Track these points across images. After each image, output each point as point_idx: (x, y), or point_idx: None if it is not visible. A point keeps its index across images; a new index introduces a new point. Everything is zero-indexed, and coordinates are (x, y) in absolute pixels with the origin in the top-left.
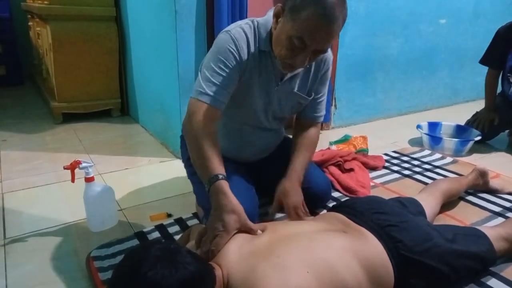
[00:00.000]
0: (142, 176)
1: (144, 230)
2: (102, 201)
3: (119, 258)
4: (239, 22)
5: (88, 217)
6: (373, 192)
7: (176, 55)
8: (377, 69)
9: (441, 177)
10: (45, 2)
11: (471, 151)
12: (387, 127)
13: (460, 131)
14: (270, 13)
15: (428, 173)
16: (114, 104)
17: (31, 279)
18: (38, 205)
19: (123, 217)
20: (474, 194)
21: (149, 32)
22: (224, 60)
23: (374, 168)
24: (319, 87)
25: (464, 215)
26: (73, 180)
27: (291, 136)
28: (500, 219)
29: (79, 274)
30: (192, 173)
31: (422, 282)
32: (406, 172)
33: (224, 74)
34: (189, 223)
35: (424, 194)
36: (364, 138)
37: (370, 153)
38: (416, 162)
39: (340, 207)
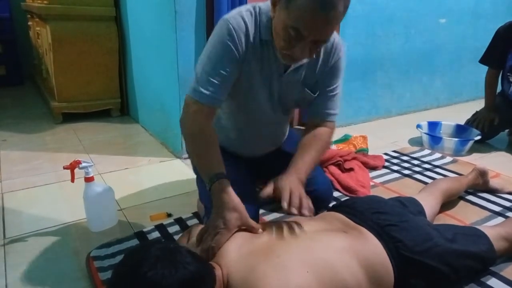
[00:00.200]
0: (142, 176)
1: (144, 230)
2: (102, 201)
3: (119, 258)
4: (241, 8)
5: (88, 217)
6: (373, 192)
7: (176, 55)
8: (377, 69)
9: (441, 177)
10: (45, 2)
11: (471, 151)
12: (387, 127)
13: (460, 130)
14: None
15: (428, 173)
16: (114, 104)
17: (31, 279)
18: (38, 205)
19: (123, 217)
20: (474, 194)
21: (149, 32)
22: (221, 54)
23: (374, 168)
24: (330, 79)
25: (464, 215)
26: (73, 180)
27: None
28: (500, 219)
29: (79, 274)
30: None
31: (422, 282)
32: (406, 171)
33: (220, 69)
34: (189, 223)
35: (424, 193)
36: (364, 137)
37: (370, 153)
38: (416, 162)
39: (340, 207)
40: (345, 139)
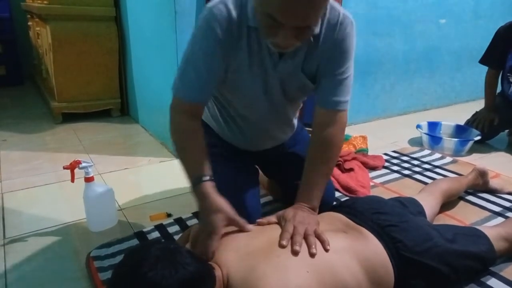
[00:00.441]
0: (142, 176)
1: (144, 230)
2: (102, 201)
3: (119, 258)
4: None
5: (88, 217)
6: (373, 192)
7: (176, 55)
8: (377, 69)
9: (441, 177)
10: (45, 2)
11: (470, 151)
12: (386, 127)
13: (459, 131)
14: None
15: (428, 173)
16: (114, 104)
17: (30, 279)
18: (38, 205)
19: (123, 217)
20: (474, 194)
21: (149, 32)
22: (203, 47)
23: (374, 168)
24: (337, 61)
25: (464, 215)
26: (72, 180)
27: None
28: (500, 219)
29: (79, 274)
30: None
31: (422, 282)
32: (406, 172)
33: (202, 63)
34: (189, 223)
35: (424, 194)
36: (364, 137)
37: (369, 153)
38: (416, 162)
39: (340, 207)
40: (345, 139)
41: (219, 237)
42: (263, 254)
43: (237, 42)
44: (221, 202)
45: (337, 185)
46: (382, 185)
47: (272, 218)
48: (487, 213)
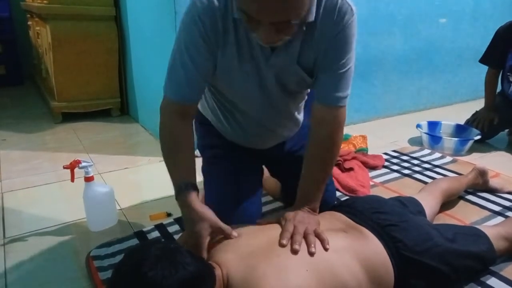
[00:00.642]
0: (141, 176)
1: (144, 229)
2: (101, 201)
3: (119, 257)
4: None
5: (88, 216)
6: (373, 192)
7: None
8: (377, 69)
9: (440, 177)
10: (45, 1)
11: (470, 151)
12: (386, 127)
13: (459, 130)
14: None
15: (428, 173)
16: (113, 104)
17: (30, 278)
18: (38, 204)
19: (123, 216)
20: (473, 194)
21: (149, 32)
22: (187, 45)
23: (373, 168)
24: (335, 53)
25: (464, 215)
26: (72, 179)
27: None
28: (500, 218)
29: (79, 273)
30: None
31: (422, 281)
32: (406, 171)
33: (187, 61)
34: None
35: (423, 193)
36: (364, 137)
37: (369, 153)
38: (415, 162)
39: (340, 207)
40: (344, 138)
41: (205, 246)
42: (263, 254)
43: (224, 35)
44: (204, 210)
45: (337, 185)
46: (382, 185)
47: (272, 218)
48: (487, 213)
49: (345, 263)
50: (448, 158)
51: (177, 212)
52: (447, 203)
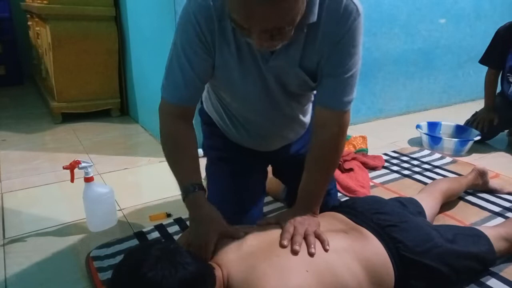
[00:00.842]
0: (141, 176)
1: (144, 230)
2: (101, 201)
3: (119, 258)
4: None
5: (88, 217)
6: (373, 192)
7: None
8: (377, 69)
9: (440, 177)
10: (45, 1)
11: (470, 151)
12: (386, 127)
13: (459, 131)
14: None
15: (428, 173)
16: (113, 104)
17: (30, 279)
18: (38, 205)
19: (123, 217)
20: (473, 194)
21: (149, 32)
22: (184, 43)
23: (373, 168)
24: (340, 56)
25: (464, 215)
26: (72, 180)
27: None
28: (500, 219)
29: (79, 274)
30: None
31: (422, 282)
32: (406, 172)
33: (186, 61)
34: (189, 223)
35: (423, 194)
36: (364, 138)
37: (369, 153)
38: (415, 162)
39: (340, 207)
40: None
41: (211, 248)
42: (263, 254)
43: (220, 35)
44: (213, 212)
45: (337, 185)
46: (382, 185)
47: (272, 219)
48: (487, 213)
49: (345, 264)
50: (448, 159)
51: (177, 213)
52: (447, 204)
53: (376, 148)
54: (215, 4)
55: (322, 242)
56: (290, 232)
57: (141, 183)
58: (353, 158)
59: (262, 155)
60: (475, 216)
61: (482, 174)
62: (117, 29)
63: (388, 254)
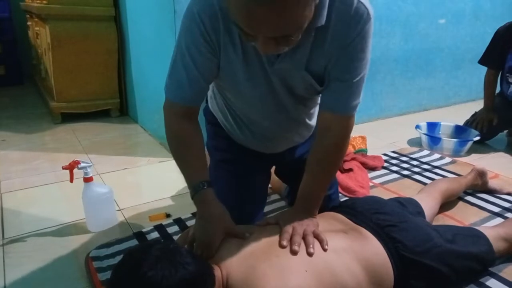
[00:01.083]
0: (141, 176)
1: (143, 230)
2: (101, 201)
3: (118, 258)
4: None
5: (87, 217)
6: (372, 192)
7: None
8: (376, 69)
9: (440, 177)
10: (44, 1)
11: (470, 151)
12: (386, 127)
13: (459, 131)
14: None
15: (427, 173)
16: (113, 104)
17: (30, 279)
18: (37, 205)
19: (122, 217)
20: (473, 195)
21: (148, 32)
22: (188, 42)
23: (373, 168)
24: (348, 61)
25: (463, 216)
26: (71, 180)
27: None
28: (499, 220)
29: (78, 274)
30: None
31: (422, 282)
32: (405, 172)
33: (190, 60)
34: (188, 223)
35: (423, 194)
36: (363, 138)
37: (369, 153)
38: (415, 162)
39: (339, 207)
40: None
41: (216, 246)
42: (263, 255)
43: (225, 35)
44: (222, 211)
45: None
46: (381, 186)
47: (271, 219)
48: (486, 214)
49: (344, 264)
50: (447, 159)
51: (176, 213)
52: (447, 204)
53: (376, 148)
54: (219, 3)
55: (321, 242)
56: (289, 233)
57: (140, 183)
58: (353, 158)
59: (266, 157)
60: (474, 216)
61: (481, 174)
62: (117, 29)
63: (388, 254)
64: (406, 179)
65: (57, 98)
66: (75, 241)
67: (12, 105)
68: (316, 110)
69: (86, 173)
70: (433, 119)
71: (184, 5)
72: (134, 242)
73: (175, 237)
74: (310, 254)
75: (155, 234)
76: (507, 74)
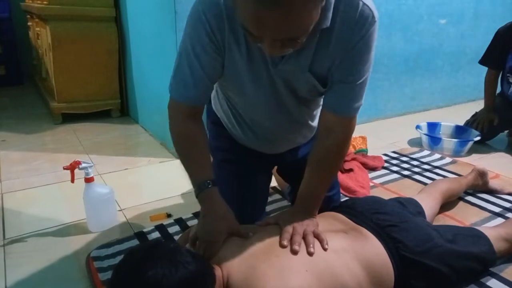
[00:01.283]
0: (141, 177)
1: (144, 230)
2: (101, 202)
3: (119, 258)
4: None
5: (88, 217)
6: (373, 193)
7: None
8: (377, 69)
9: (440, 178)
10: (45, 2)
11: (470, 152)
12: (386, 128)
13: (459, 131)
14: None
15: (428, 174)
16: (113, 105)
17: (30, 279)
18: (38, 205)
19: (123, 217)
20: (473, 195)
21: (149, 32)
22: (194, 41)
23: (373, 169)
24: (351, 63)
25: (464, 216)
26: (72, 180)
27: None
28: (500, 220)
29: (79, 274)
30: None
31: (422, 282)
32: (406, 172)
33: (195, 59)
34: (189, 223)
35: (423, 194)
36: (364, 138)
37: (369, 154)
38: (415, 163)
39: (340, 207)
40: None
41: (219, 245)
42: (263, 255)
43: (231, 34)
44: (226, 210)
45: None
46: (382, 186)
47: (271, 219)
48: (487, 214)
49: (345, 264)
50: (448, 159)
51: (177, 213)
52: (447, 204)
53: (376, 148)
54: (225, 2)
55: (321, 242)
56: (289, 232)
57: (141, 184)
58: (353, 159)
59: (268, 157)
60: (475, 216)
61: (482, 174)
62: (117, 30)
63: (388, 254)
64: (407, 179)
65: (57, 98)
66: (76, 241)
67: (12, 105)
68: (318, 112)
69: (87, 174)
70: (434, 119)
71: (185, 5)
72: (135, 242)
73: (176, 237)
74: (310, 254)
75: (156, 234)
76: (508, 74)
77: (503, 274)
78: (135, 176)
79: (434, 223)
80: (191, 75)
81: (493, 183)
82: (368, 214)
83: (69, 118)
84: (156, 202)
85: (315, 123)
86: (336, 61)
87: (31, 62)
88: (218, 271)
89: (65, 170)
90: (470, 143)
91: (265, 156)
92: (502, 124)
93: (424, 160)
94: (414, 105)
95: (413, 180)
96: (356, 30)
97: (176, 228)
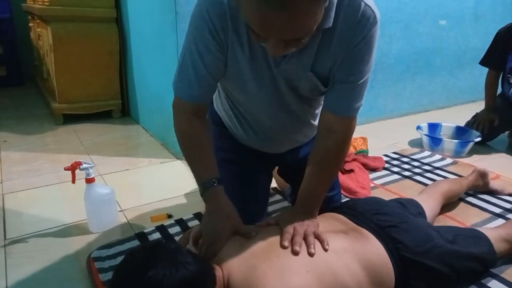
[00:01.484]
0: (142, 177)
1: (145, 231)
2: (102, 202)
3: (120, 259)
4: None
5: (89, 218)
6: (373, 193)
7: (177, 57)
8: (377, 70)
9: (441, 178)
10: (46, 3)
11: (471, 152)
12: (387, 128)
13: (460, 132)
14: None
15: (428, 174)
16: (114, 105)
17: (31, 280)
18: (39, 206)
19: (124, 218)
20: (474, 195)
21: (150, 33)
22: (197, 40)
23: (374, 169)
24: (353, 64)
25: (464, 216)
26: (73, 181)
27: None
28: (501, 220)
29: (80, 275)
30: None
31: (422, 283)
32: (406, 173)
33: (199, 58)
34: (190, 224)
35: (424, 195)
36: (364, 139)
37: (370, 154)
38: (416, 163)
39: (340, 208)
40: None
41: (223, 244)
42: (264, 255)
43: (234, 34)
44: (231, 209)
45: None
46: (382, 186)
47: (271, 220)
48: (488, 215)
49: (345, 264)
50: (449, 160)
51: (178, 214)
52: (448, 205)
53: (377, 149)
54: (229, 2)
55: (322, 242)
56: (290, 233)
57: (142, 184)
58: (354, 159)
59: (269, 157)
60: (475, 217)
61: (482, 175)
62: (118, 31)
63: (388, 255)
64: (407, 180)
65: (59, 99)
66: (77, 242)
67: (13, 106)
68: (320, 111)
69: (88, 174)
70: (434, 120)
71: (186, 6)
72: (135, 243)
73: (177, 238)
74: (311, 255)
75: (157, 235)
76: (508, 75)
77: (503, 275)
78: (136, 177)
79: (435, 224)
80: (195, 74)
81: (493, 184)
82: (368, 214)
83: (70, 118)
84: (157, 203)
85: (316, 122)
86: (337, 61)
87: (32, 63)
88: (218, 271)
89: (66, 171)
90: (471, 144)
91: (266, 156)
92: (503, 124)
93: (424, 161)
94: (414, 105)
95: (414, 181)
96: (358, 31)
97: (176, 228)
